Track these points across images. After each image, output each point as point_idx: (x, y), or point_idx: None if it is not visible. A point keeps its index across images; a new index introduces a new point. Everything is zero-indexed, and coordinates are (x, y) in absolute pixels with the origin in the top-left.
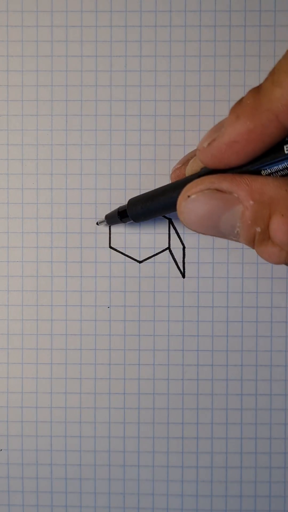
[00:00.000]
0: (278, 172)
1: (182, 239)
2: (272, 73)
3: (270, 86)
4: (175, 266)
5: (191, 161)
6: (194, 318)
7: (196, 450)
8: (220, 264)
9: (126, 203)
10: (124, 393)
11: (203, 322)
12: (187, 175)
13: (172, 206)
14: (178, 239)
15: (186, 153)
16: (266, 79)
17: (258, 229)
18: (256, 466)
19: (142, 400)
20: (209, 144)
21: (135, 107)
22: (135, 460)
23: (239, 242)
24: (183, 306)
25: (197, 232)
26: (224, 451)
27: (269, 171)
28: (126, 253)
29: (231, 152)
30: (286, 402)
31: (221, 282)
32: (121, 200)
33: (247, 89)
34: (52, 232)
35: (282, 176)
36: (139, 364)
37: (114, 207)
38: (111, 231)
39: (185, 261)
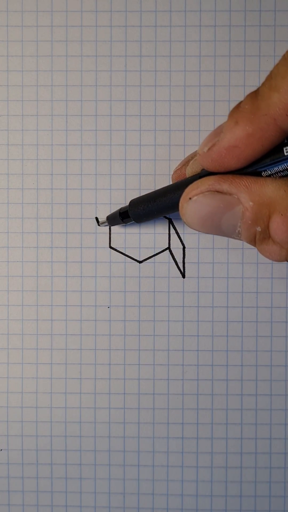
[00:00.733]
0: (278, 173)
1: (182, 239)
2: (269, 78)
3: (268, 91)
4: (175, 266)
5: (191, 162)
6: (194, 318)
7: (196, 450)
8: (220, 264)
9: (127, 203)
10: (124, 393)
11: (203, 322)
12: (187, 175)
13: (173, 207)
14: (178, 239)
15: (186, 153)
16: (263, 84)
17: (259, 229)
18: (256, 466)
19: (142, 400)
20: (209, 149)
21: (135, 107)
22: (135, 460)
23: (241, 240)
24: (183, 306)
25: (200, 231)
26: (224, 451)
27: (269, 172)
28: (126, 253)
29: (231, 157)
30: (286, 402)
31: (221, 282)
32: (121, 200)
33: (247, 89)
34: (52, 232)
35: (282, 177)
36: (139, 364)
37: (114, 207)
38: (111, 231)
39: (185, 261)
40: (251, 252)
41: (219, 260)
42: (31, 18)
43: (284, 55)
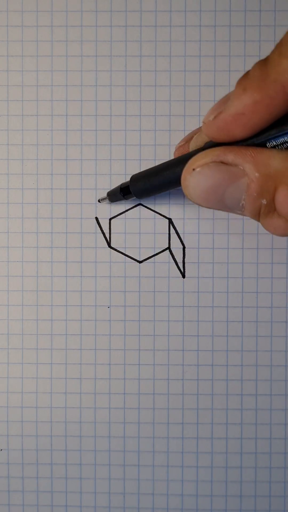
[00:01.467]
0: (284, 144)
1: (182, 239)
2: (280, 45)
3: (277, 57)
4: (175, 266)
5: (195, 136)
6: (194, 318)
7: (196, 450)
8: (220, 264)
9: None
10: (124, 393)
11: (203, 322)
12: (190, 150)
13: (176, 181)
14: (178, 239)
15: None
16: (273, 51)
17: (264, 202)
18: (256, 466)
19: (142, 400)
20: (215, 117)
21: (135, 107)
22: (135, 460)
23: (244, 215)
24: (183, 306)
25: (202, 206)
26: (224, 451)
27: (274, 143)
28: (126, 253)
29: (238, 125)
30: (286, 402)
31: (221, 282)
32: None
33: None
34: (52, 232)
35: (287, 148)
36: (139, 364)
37: (114, 207)
38: (111, 231)
39: (185, 261)
40: (251, 252)
41: (219, 260)
42: (31, 18)
43: None
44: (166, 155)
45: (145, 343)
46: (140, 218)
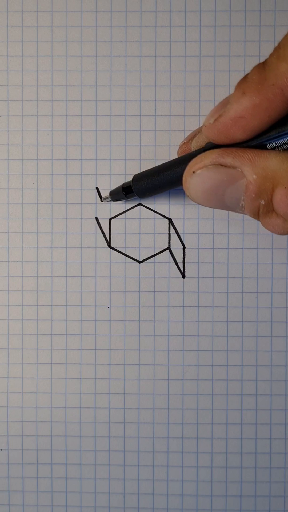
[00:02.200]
0: (283, 146)
1: (182, 239)
2: (278, 48)
3: (276, 61)
4: (175, 266)
5: (197, 136)
6: (194, 318)
7: (196, 450)
8: (220, 264)
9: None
10: (124, 393)
11: (203, 322)
12: (192, 150)
13: (177, 181)
14: (178, 239)
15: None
16: (271, 54)
17: (262, 202)
18: (256, 466)
19: (142, 400)
20: (215, 120)
21: (135, 107)
22: (135, 460)
23: (245, 214)
24: (183, 306)
25: (203, 205)
26: (224, 451)
27: (274, 144)
28: (126, 253)
29: (237, 127)
30: (286, 402)
31: (221, 282)
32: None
33: None
34: (52, 232)
35: (286, 149)
36: (139, 364)
37: (114, 207)
38: (111, 231)
39: (185, 261)
40: (251, 252)
41: (219, 260)
42: (31, 18)
43: None
44: (166, 155)
45: (145, 343)
46: (140, 218)
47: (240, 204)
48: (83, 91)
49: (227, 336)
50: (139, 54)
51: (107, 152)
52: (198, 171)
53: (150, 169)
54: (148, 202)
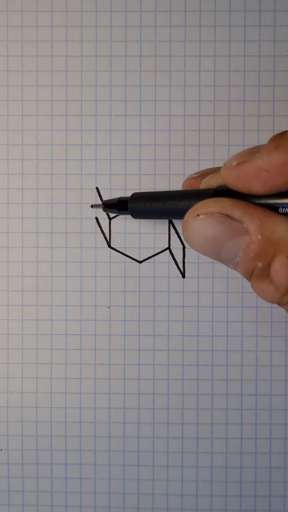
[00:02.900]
0: None
1: (182, 239)
2: None
3: None
4: (175, 266)
5: (210, 175)
6: (194, 318)
7: (196, 450)
8: (220, 264)
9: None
10: (124, 393)
11: (203, 322)
12: (201, 187)
13: (177, 214)
14: (178, 239)
15: (186, 153)
16: None
17: (260, 265)
18: (256, 466)
19: (142, 400)
20: (238, 163)
21: (135, 107)
22: (135, 460)
23: (236, 271)
24: (183, 306)
25: (196, 250)
26: (224, 451)
27: (286, 210)
28: (126, 253)
29: (259, 179)
30: (286, 402)
31: (221, 282)
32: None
33: (247, 89)
34: (52, 232)
35: None
36: (139, 364)
37: None
38: (111, 231)
39: (185, 261)
40: None
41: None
42: (31, 18)
43: None
44: (166, 155)
45: (145, 343)
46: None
47: (236, 260)
48: (83, 91)
49: (227, 336)
50: (139, 54)
51: (107, 152)
52: (203, 216)
53: (151, 192)
54: None
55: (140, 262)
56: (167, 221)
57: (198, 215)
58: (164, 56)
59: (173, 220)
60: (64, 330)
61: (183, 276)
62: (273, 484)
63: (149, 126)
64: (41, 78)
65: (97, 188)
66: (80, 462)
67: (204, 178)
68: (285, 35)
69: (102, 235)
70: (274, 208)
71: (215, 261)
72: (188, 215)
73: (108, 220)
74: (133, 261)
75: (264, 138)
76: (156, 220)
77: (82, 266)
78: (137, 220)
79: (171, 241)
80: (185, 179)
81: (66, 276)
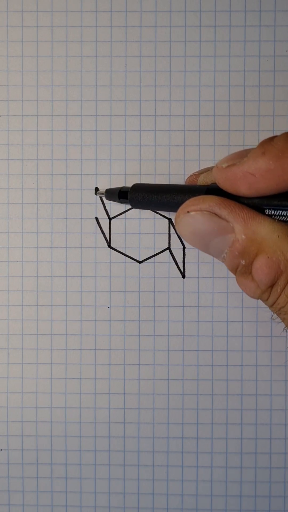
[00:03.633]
0: (279, 217)
1: (182, 239)
2: None
3: None
4: (175, 266)
5: (207, 172)
6: (194, 318)
7: (196, 450)
8: (220, 264)
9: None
10: (124, 393)
11: (203, 322)
12: (198, 183)
13: (172, 207)
14: (178, 239)
15: (186, 153)
16: None
17: (243, 262)
18: (256, 466)
19: (142, 400)
20: (228, 166)
21: (135, 107)
22: (135, 460)
23: (224, 264)
24: (183, 306)
25: (188, 243)
26: (224, 451)
27: (272, 212)
28: (126, 253)
29: (244, 182)
30: (286, 402)
31: (221, 282)
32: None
33: (247, 89)
34: (52, 232)
35: (281, 221)
36: (139, 364)
37: (114, 207)
38: (111, 231)
39: (185, 261)
40: None
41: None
42: (31, 18)
43: None
44: (166, 155)
45: (145, 343)
46: (140, 218)
47: (222, 256)
48: (83, 91)
49: (227, 336)
50: (139, 54)
51: (107, 152)
52: (192, 213)
53: (151, 184)
54: None
55: (140, 262)
56: (167, 220)
57: (188, 211)
58: (164, 56)
59: (173, 220)
60: (64, 330)
61: (183, 276)
62: (273, 484)
63: (149, 126)
64: (41, 78)
65: (96, 188)
66: (80, 462)
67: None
68: (285, 35)
69: (102, 235)
70: (261, 209)
71: (215, 261)
72: (180, 210)
73: (108, 220)
74: (133, 261)
75: (264, 138)
76: (156, 219)
77: (82, 266)
78: (137, 220)
79: (171, 241)
80: (187, 177)
81: (66, 276)
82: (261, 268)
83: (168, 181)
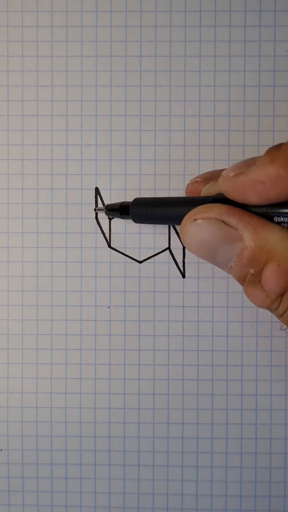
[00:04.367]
0: None
1: (187, 249)
2: None
3: None
4: (175, 266)
5: (210, 184)
6: (194, 318)
7: (196, 450)
8: None
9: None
10: (124, 393)
11: (203, 322)
12: (202, 195)
13: (176, 220)
14: (178, 239)
15: (186, 154)
16: None
17: (252, 271)
18: (256, 466)
19: (142, 400)
20: (235, 175)
21: (135, 107)
22: (135, 460)
23: (230, 274)
24: (183, 306)
25: (192, 253)
26: (224, 451)
27: (281, 219)
28: (126, 253)
29: (254, 191)
30: (286, 402)
31: (221, 282)
32: (121, 200)
33: (247, 89)
34: (52, 232)
35: None
36: (139, 364)
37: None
38: (111, 231)
39: (185, 261)
40: None
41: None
42: (31, 18)
43: None
44: (166, 155)
45: (145, 343)
46: None
47: (229, 265)
48: (83, 91)
49: (227, 336)
50: (139, 54)
51: (107, 152)
52: (200, 221)
53: (152, 198)
54: None
55: (140, 262)
56: None
57: (195, 219)
58: (164, 56)
59: None
60: (64, 330)
61: (183, 276)
62: (273, 484)
63: (149, 126)
64: (41, 78)
65: (96, 188)
66: (80, 462)
67: (207, 182)
68: (285, 35)
69: (102, 235)
70: (269, 217)
71: None
72: (186, 218)
73: (108, 220)
74: (133, 261)
75: (264, 138)
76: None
77: (82, 266)
78: None
79: (171, 241)
80: (186, 181)
81: (66, 276)
82: (271, 277)
83: (168, 181)
